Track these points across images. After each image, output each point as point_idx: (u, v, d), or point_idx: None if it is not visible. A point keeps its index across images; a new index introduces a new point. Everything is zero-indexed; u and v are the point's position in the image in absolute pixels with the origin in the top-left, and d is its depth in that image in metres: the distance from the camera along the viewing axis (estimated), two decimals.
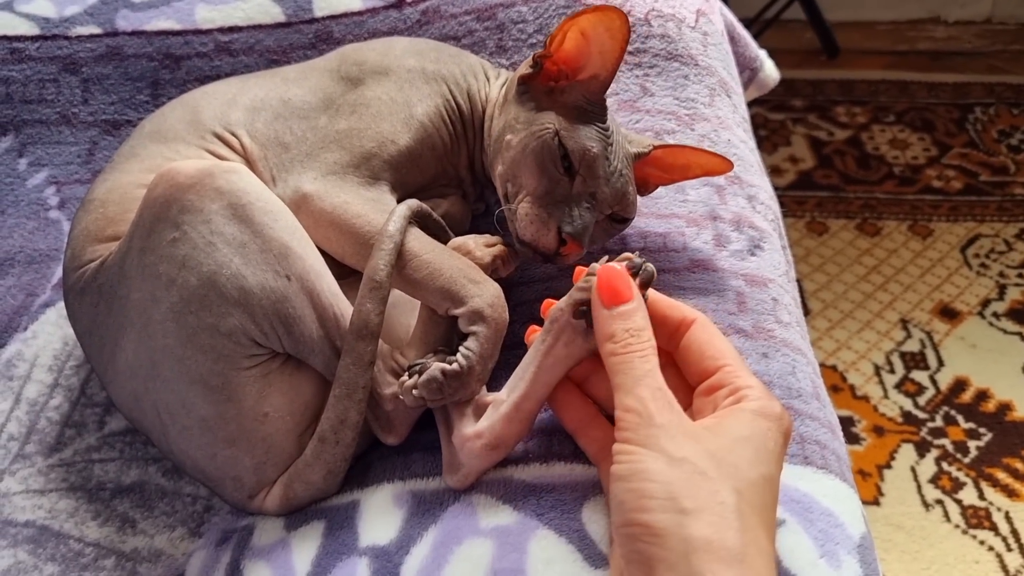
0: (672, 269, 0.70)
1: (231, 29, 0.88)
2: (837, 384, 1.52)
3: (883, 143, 2.00)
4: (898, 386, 1.52)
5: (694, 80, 0.85)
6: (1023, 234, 1.78)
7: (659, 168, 0.71)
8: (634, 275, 0.53)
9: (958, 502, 1.35)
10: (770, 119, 2.06)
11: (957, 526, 1.32)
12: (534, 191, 0.63)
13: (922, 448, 1.43)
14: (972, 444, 1.43)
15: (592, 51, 0.64)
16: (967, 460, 1.41)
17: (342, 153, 0.66)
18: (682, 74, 0.85)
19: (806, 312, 1.63)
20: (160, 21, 0.88)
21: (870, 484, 1.37)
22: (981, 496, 1.36)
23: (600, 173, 0.63)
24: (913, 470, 1.40)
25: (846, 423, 1.45)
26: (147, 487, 0.68)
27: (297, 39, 0.88)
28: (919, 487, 1.37)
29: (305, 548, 0.59)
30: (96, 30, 0.88)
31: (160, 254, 0.59)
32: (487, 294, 0.60)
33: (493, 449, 0.57)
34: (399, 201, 0.63)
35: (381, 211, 0.63)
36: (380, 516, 0.59)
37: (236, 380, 0.59)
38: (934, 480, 1.38)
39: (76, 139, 0.86)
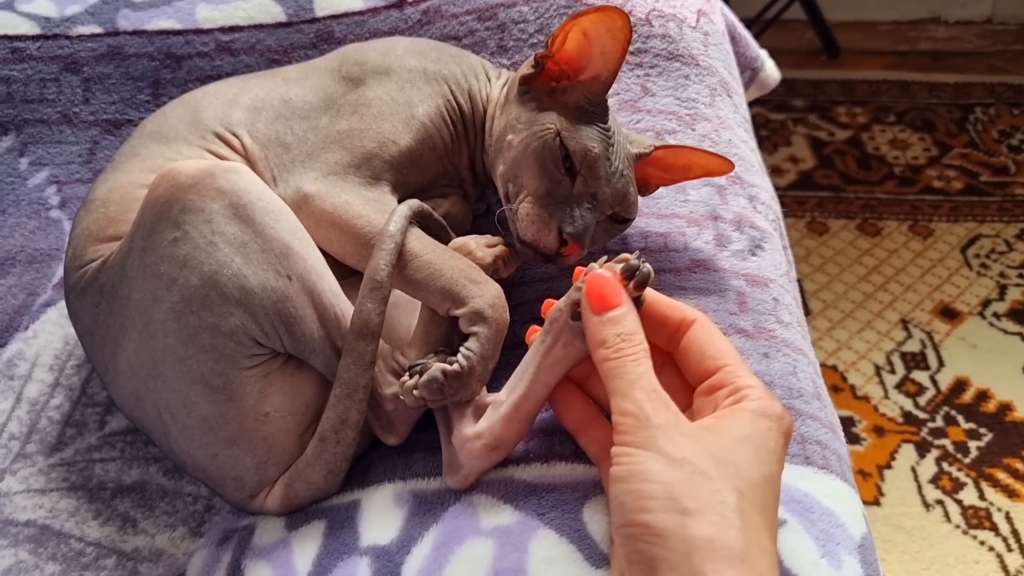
0: (673, 269, 0.70)
1: (232, 29, 0.88)
2: (837, 384, 1.52)
3: (884, 143, 1.99)
4: (898, 386, 1.52)
5: (695, 80, 0.85)
6: (1023, 234, 1.78)
7: (660, 168, 0.71)
8: (629, 277, 0.53)
9: (958, 502, 1.35)
10: (771, 119, 2.06)
11: (957, 526, 1.32)
12: (535, 191, 0.63)
13: (922, 448, 1.43)
14: (972, 444, 1.43)
15: (594, 51, 0.64)
16: (967, 460, 1.41)
17: (343, 153, 0.66)
18: (683, 74, 0.85)
19: (807, 312, 1.63)
20: (161, 21, 0.88)
21: (870, 484, 1.37)
22: (981, 496, 1.36)
23: (601, 173, 0.63)
24: (913, 470, 1.39)
25: (846, 423, 1.45)
26: (148, 487, 0.68)
27: (298, 39, 0.88)
28: (919, 487, 1.37)
29: (306, 548, 0.59)
30: (97, 29, 0.88)
31: (161, 254, 0.59)
32: (488, 294, 0.60)
33: (493, 450, 0.57)
34: (400, 201, 0.63)
35: (382, 211, 0.63)
36: (381, 516, 0.59)
37: (237, 380, 0.59)
38: (934, 480, 1.38)
39: (77, 139, 0.86)
